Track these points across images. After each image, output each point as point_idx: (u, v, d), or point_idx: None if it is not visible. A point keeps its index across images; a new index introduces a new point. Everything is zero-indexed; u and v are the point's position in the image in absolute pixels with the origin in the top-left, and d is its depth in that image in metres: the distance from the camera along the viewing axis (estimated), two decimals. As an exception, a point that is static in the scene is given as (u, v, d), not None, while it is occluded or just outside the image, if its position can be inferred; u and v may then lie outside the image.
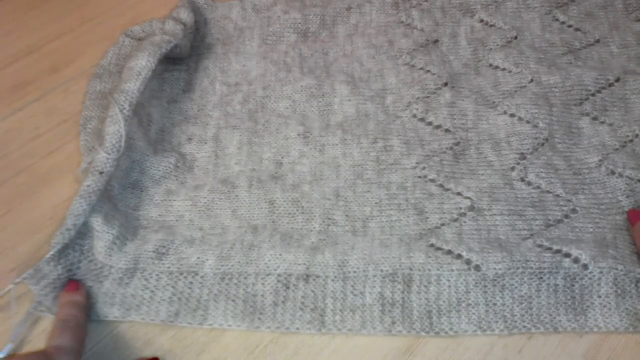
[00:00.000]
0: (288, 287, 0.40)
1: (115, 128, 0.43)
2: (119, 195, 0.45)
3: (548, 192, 0.45)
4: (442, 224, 0.43)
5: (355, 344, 0.39)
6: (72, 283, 0.40)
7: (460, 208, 0.44)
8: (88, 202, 0.40)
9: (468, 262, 0.40)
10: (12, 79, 0.55)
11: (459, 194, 0.45)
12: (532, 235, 0.42)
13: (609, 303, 0.39)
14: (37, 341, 0.39)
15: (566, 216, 0.43)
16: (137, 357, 0.39)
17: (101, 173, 0.41)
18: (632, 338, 0.38)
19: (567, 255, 0.40)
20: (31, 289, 0.39)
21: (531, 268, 0.40)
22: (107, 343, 0.39)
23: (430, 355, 0.38)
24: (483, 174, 0.46)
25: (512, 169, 0.46)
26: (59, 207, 0.46)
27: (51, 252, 0.39)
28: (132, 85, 0.45)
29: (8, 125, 0.52)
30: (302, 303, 0.40)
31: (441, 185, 0.45)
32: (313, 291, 0.40)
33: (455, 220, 0.43)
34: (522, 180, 0.45)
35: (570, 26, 0.57)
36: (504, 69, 0.53)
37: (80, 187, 0.41)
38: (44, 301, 0.39)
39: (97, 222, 0.40)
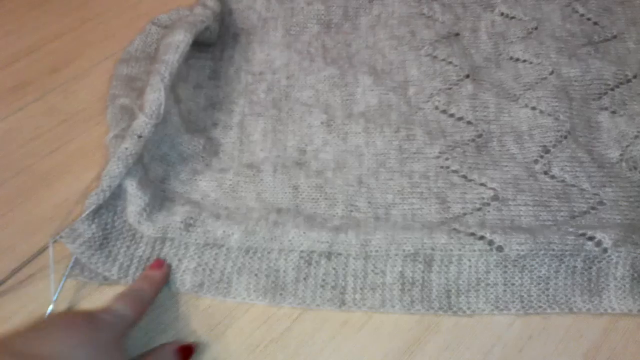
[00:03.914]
0: (310, 264, 0.41)
1: (156, 95, 0.43)
2: (147, 165, 0.45)
3: (573, 185, 0.45)
4: (465, 214, 0.43)
5: (355, 344, 0.39)
6: (157, 261, 0.41)
7: (484, 198, 0.44)
8: (125, 164, 0.40)
9: (490, 242, 0.40)
10: (12, 79, 0.54)
11: (482, 184, 0.45)
12: (556, 224, 0.42)
13: (624, 286, 0.39)
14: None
15: (593, 208, 0.44)
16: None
17: (140, 137, 0.42)
18: (632, 338, 0.39)
19: (591, 238, 0.40)
20: (67, 247, 0.39)
21: (553, 250, 0.40)
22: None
23: (431, 355, 0.38)
24: (506, 166, 0.46)
25: (536, 162, 0.47)
26: (59, 207, 0.46)
27: (86, 212, 0.39)
28: (172, 57, 0.45)
29: (8, 125, 0.51)
30: (323, 280, 0.40)
31: (464, 177, 0.45)
32: (334, 269, 0.41)
33: (479, 209, 0.44)
34: (546, 173, 0.46)
35: (589, 19, 0.57)
36: (524, 61, 0.53)
37: (115, 150, 0.41)
38: (81, 259, 0.40)
39: (131, 186, 0.41)
